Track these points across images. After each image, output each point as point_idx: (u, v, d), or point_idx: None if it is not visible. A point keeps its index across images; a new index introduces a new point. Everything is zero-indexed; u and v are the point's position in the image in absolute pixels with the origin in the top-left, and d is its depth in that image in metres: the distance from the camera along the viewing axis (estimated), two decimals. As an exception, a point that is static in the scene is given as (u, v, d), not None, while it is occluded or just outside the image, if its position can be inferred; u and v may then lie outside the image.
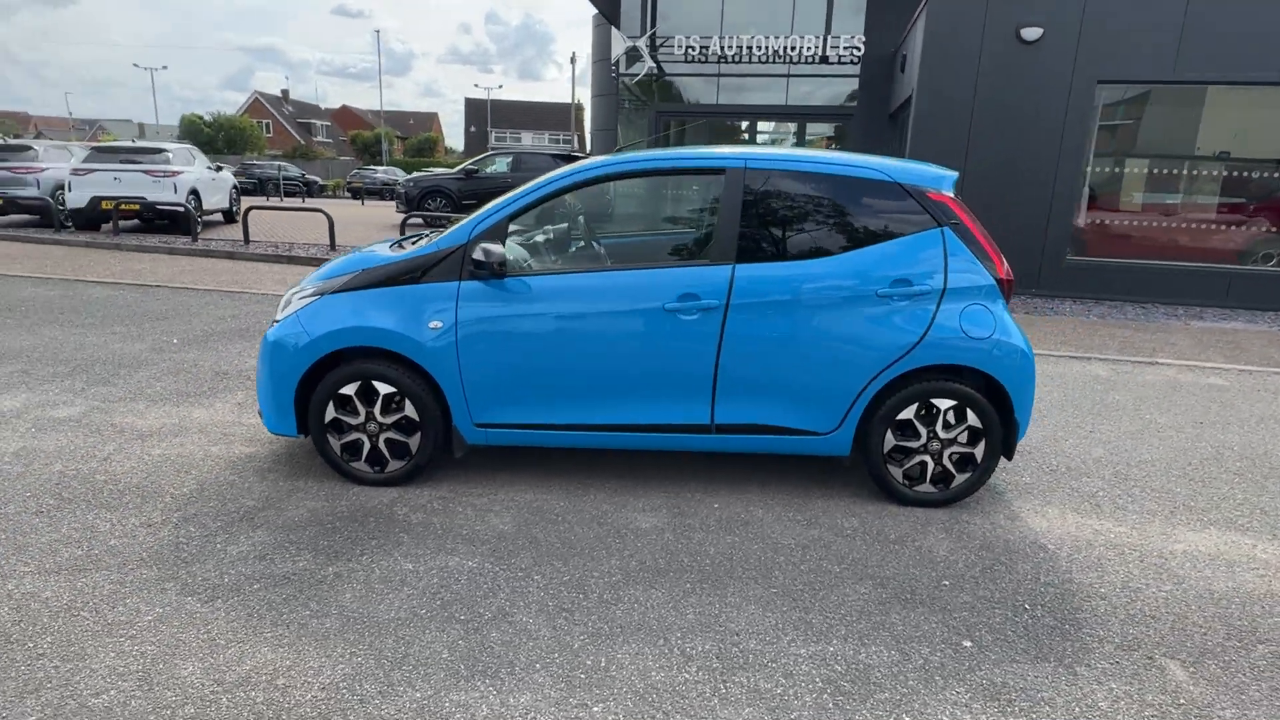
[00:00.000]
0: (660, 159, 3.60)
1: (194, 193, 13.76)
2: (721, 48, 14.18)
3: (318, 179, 38.02)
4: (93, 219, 13.17)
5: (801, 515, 3.45)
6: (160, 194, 13.05)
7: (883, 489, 3.59)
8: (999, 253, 3.47)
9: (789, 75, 14.43)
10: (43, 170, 13.83)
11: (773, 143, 15.78)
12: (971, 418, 3.45)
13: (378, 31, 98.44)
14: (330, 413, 3.53)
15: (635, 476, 3.81)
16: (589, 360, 3.42)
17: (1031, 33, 9.41)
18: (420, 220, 14.83)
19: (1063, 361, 6.46)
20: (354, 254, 3.86)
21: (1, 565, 2.82)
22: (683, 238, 4.34)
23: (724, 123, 15.54)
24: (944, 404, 3.43)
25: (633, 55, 14.68)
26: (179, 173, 13.38)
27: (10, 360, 5.47)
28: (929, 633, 2.58)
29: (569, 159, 16.97)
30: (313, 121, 62.10)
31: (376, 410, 3.51)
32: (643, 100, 15.23)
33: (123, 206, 12.75)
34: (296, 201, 28.43)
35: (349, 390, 3.49)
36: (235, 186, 16.45)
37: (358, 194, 33.18)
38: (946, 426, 3.46)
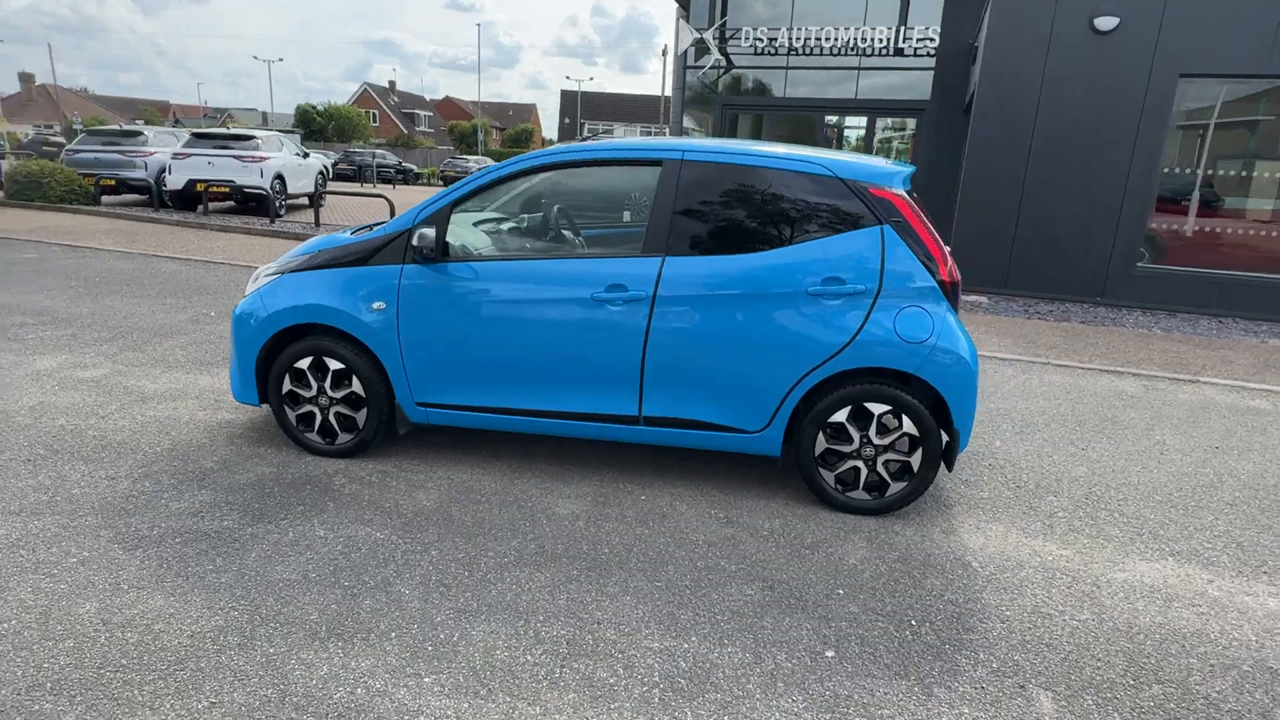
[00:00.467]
0: (600, 149, 3.61)
1: (279, 177, 14.66)
2: (790, 39, 13.90)
3: (414, 167, 39.63)
4: (189, 199, 14.26)
5: (724, 513, 3.41)
6: (247, 178, 13.98)
7: (814, 493, 3.50)
8: (944, 253, 3.31)
9: (859, 68, 13.98)
10: (150, 154, 15.08)
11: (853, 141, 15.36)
12: (907, 424, 3.31)
13: (479, 25, 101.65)
14: (287, 385, 3.75)
15: (574, 463, 3.86)
16: (522, 346, 3.49)
17: (1106, 22, 8.78)
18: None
19: (1089, 375, 6.05)
20: (321, 237, 4.06)
21: (-28, 504, 3.17)
22: (624, 229, 4.35)
23: (791, 116, 15.24)
24: (877, 408, 3.31)
25: (700, 48, 14.59)
26: (266, 158, 14.29)
27: (66, 325, 6.04)
28: (795, 639, 2.52)
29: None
30: (416, 112, 64.73)
31: (327, 385, 3.70)
32: (710, 93, 15.12)
33: (213, 189, 13.74)
34: (386, 188, 29.64)
35: (303, 364, 3.69)
36: (322, 172, 17.40)
37: (449, 181, 34.53)
38: (881, 432, 3.34)
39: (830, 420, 3.36)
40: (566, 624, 2.56)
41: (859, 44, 13.62)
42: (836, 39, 13.67)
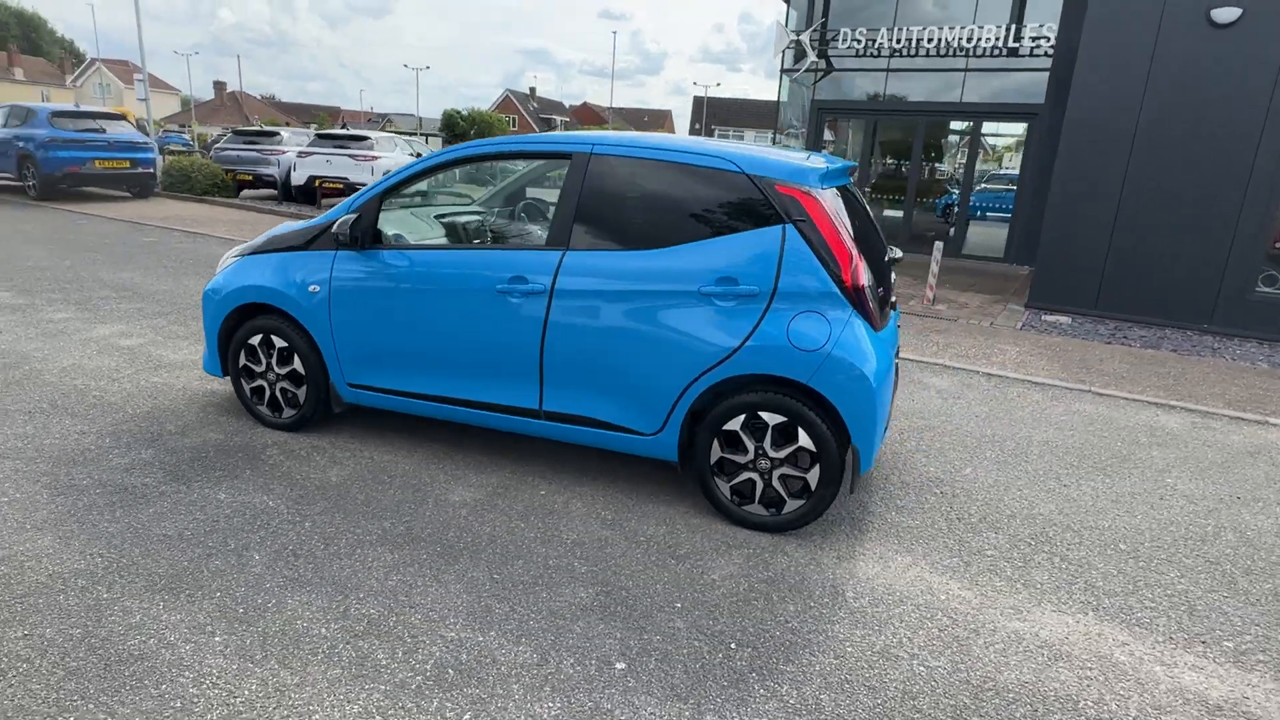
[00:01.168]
0: (519, 142, 3.62)
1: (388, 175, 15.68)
2: (891, 40, 13.25)
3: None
4: (310, 194, 15.54)
5: (614, 515, 3.32)
6: (359, 175, 15.05)
7: (710, 503, 3.34)
8: (852, 258, 3.06)
9: (966, 70, 13.11)
10: (283, 153, 16.57)
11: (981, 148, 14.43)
12: (804, 438, 3.09)
13: (614, 33, 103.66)
14: (242, 359, 4.02)
15: (496, 453, 3.88)
16: (435, 333, 3.56)
17: (1226, 14, 7.76)
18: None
19: (1131, 406, 5.37)
20: (287, 223, 4.33)
21: (-43, 445, 3.63)
22: (539, 221, 4.31)
23: (890, 120, 14.53)
24: (772, 419, 3.11)
25: (797, 50, 14.21)
26: (377, 158, 15.33)
27: (139, 299, 6.77)
28: (595, 647, 2.43)
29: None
30: (553, 117, 67.16)
31: (274, 362, 3.94)
32: (806, 95, 14.69)
33: (327, 184, 14.91)
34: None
35: (254, 341, 3.96)
36: (434, 172, 18.44)
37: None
38: (776, 444, 3.14)
39: (725, 428, 3.19)
40: (380, 604, 2.59)
41: (967, 44, 12.79)
42: (941, 39, 12.91)
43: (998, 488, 3.84)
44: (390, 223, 3.98)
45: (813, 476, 3.13)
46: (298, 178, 15.39)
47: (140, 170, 14.34)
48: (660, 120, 79.09)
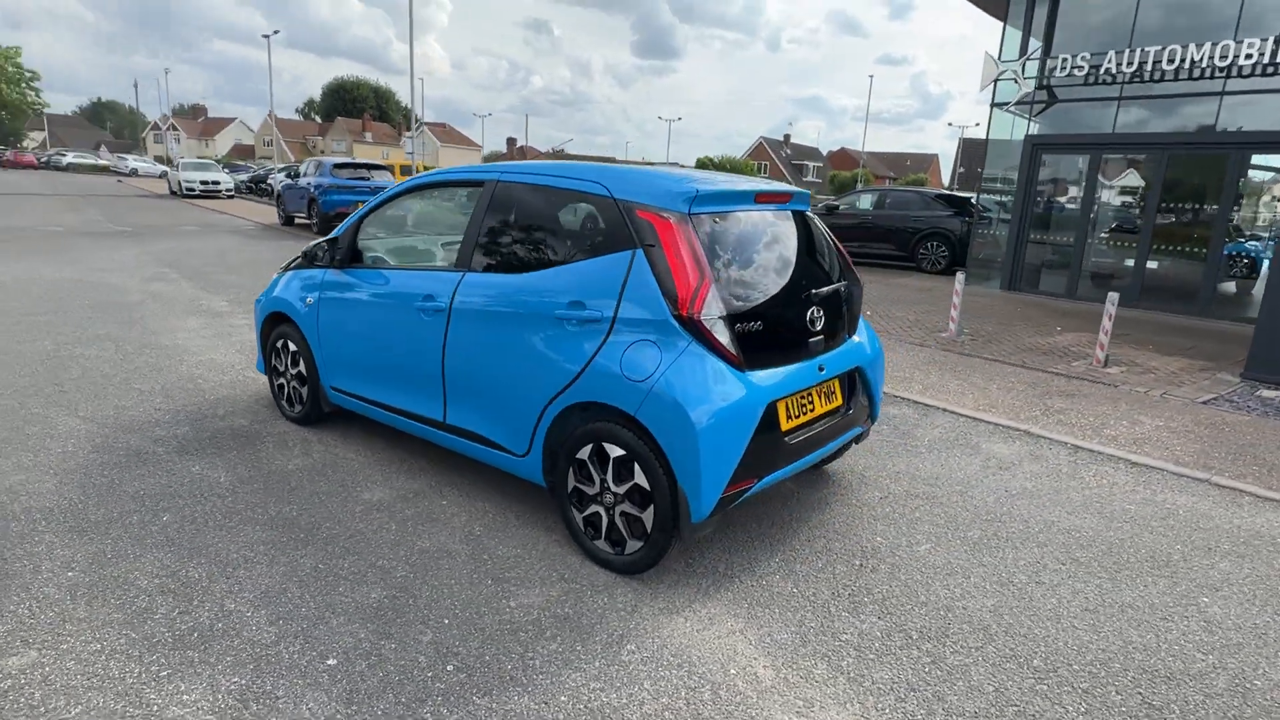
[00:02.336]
0: (445, 174, 3.89)
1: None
2: (1120, 64, 11.47)
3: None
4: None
5: (484, 530, 3.37)
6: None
7: (568, 529, 3.23)
8: (694, 287, 2.83)
9: (1223, 93, 10.90)
10: None
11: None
12: (639, 475, 2.91)
13: (871, 77, 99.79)
14: (271, 360, 4.73)
15: (443, 461, 4.10)
16: (376, 344, 3.92)
17: None
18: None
19: (1253, 506, 4.07)
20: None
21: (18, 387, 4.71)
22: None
23: (1120, 155, 12.47)
24: (612, 450, 2.97)
25: (1008, 83, 12.87)
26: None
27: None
28: (332, 642, 2.53)
29: (947, 199, 15.68)
30: (806, 163, 67.07)
31: (289, 363, 4.58)
32: (1021, 125, 13.20)
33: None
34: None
35: (278, 345, 4.64)
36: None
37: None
38: (617, 478, 2.98)
39: (577, 456, 3.11)
40: (207, 570, 2.92)
41: (1222, 61, 10.69)
42: (1186, 59, 10.93)
43: (940, 572, 3.21)
44: (382, 246, 4.45)
45: (648, 517, 2.92)
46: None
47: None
48: (925, 164, 75.21)
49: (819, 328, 3.34)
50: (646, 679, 2.43)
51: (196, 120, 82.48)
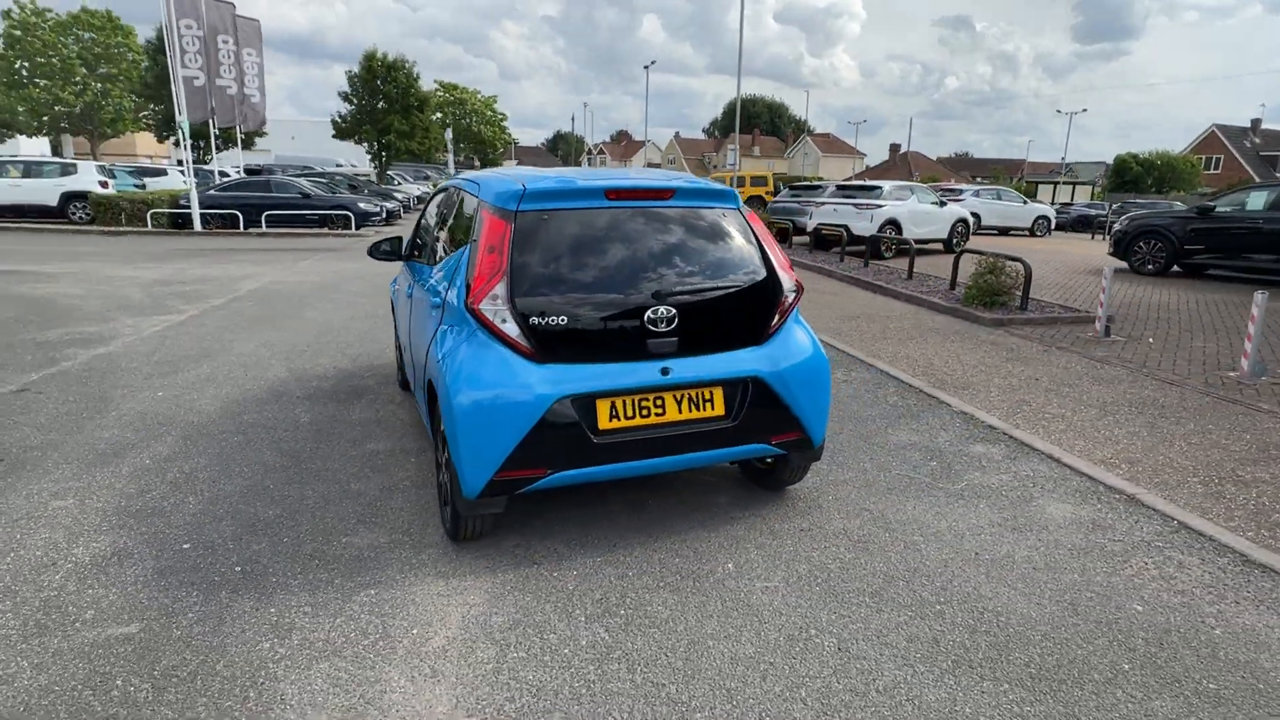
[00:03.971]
0: (443, 185, 4.47)
1: (891, 223, 15.94)
2: None
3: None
4: (822, 242, 16.99)
5: (414, 480, 3.95)
6: (858, 223, 15.81)
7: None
8: (484, 277, 3.04)
9: None
10: (878, 207, 17.46)
11: None
12: (439, 448, 3.23)
13: None
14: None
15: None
16: (409, 327, 4.75)
17: None
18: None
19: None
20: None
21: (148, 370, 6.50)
22: None
23: None
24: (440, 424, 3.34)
25: None
26: (879, 206, 15.82)
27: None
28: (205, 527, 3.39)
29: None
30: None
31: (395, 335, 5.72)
32: None
33: (825, 232, 16.14)
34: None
35: (398, 323, 5.81)
36: (964, 220, 17.61)
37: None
38: (438, 449, 3.34)
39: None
40: (268, 452, 4.05)
41: None
42: None
43: (746, 617, 2.84)
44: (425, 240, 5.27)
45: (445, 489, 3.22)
46: (811, 225, 17.07)
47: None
48: None
49: (665, 329, 3.21)
50: (353, 620, 2.79)
51: (620, 144, 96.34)
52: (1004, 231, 25.40)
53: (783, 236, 18.77)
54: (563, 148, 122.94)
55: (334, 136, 33.27)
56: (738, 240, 3.53)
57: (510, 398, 3.01)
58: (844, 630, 2.77)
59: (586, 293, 3.17)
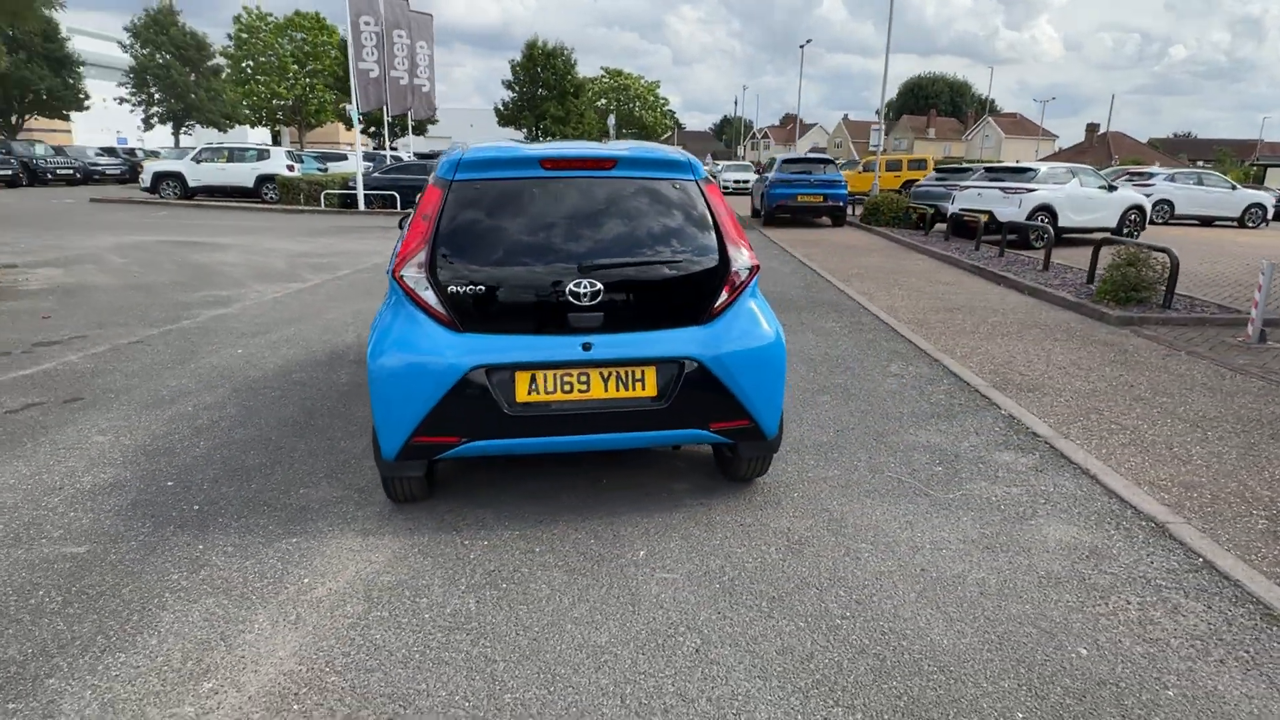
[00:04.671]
0: None
1: (1045, 209, 14.36)
2: None
3: None
4: (958, 228, 15.65)
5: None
6: (1004, 209, 14.41)
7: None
8: (412, 247, 3.11)
9: None
10: (1028, 191, 15.75)
11: None
12: (380, 411, 3.35)
13: None
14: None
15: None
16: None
17: None
18: None
19: None
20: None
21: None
22: None
23: None
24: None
25: None
26: (1030, 190, 14.31)
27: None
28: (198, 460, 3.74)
29: None
30: None
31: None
32: None
33: (965, 218, 14.84)
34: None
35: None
36: (1139, 207, 15.53)
37: None
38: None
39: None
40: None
41: None
42: None
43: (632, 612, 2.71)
44: None
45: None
46: (953, 210, 15.78)
47: (830, 204, 17.49)
48: None
49: (588, 303, 3.11)
50: (261, 564, 2.98)
51: (785, 128, 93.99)
52: (1206, 222, 22.13)
53: (922, 223, 17.52)
54: (728, 132, 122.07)
55: (498, 124, 35.21)
56: (685, 214, 3.34)
57: (423, 364, 3.06)
58: (715, 633, 2.57)
59: (509, 263, 3.14)
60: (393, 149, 31.03)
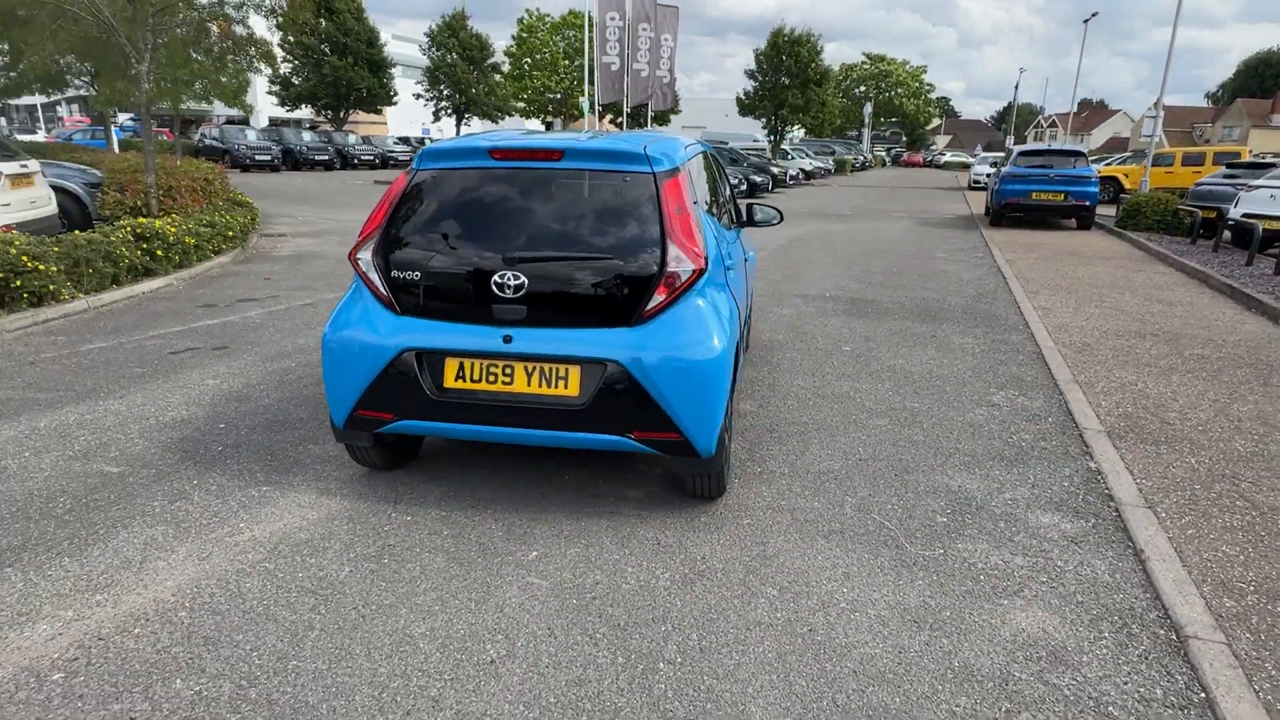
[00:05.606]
0: None
1: None
2: None
3: None
4: (1238, 236, 12.71)
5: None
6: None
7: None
8: (367, 230, 3.26)
9: None
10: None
11: None
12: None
13: None
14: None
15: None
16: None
17: None
18: None
19: None
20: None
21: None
22: None
23: None
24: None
25: None
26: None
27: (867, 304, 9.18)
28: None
29: None
30: None
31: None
32: None
33: (1268, 227, 11.96)
34: None
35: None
36: None
37: None
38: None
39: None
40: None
41: None
42: None
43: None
44: None
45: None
46: (1234, 215, 12.84)
47: (1073, 203, 15.09)
48: None
49: (512, 295, 3.08)
50: (224, 505, 3.40)
51: (1081, 115, 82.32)
52: None
53: (1203, 228, 14.47)
54: (1009, 119, 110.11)
55: (739, 113, 35.23)
56: (630, 209, 3.16)
57: (362, 342, 3.25)
58: (525, 649, 2.46)
59: (445, 251, 3.22)
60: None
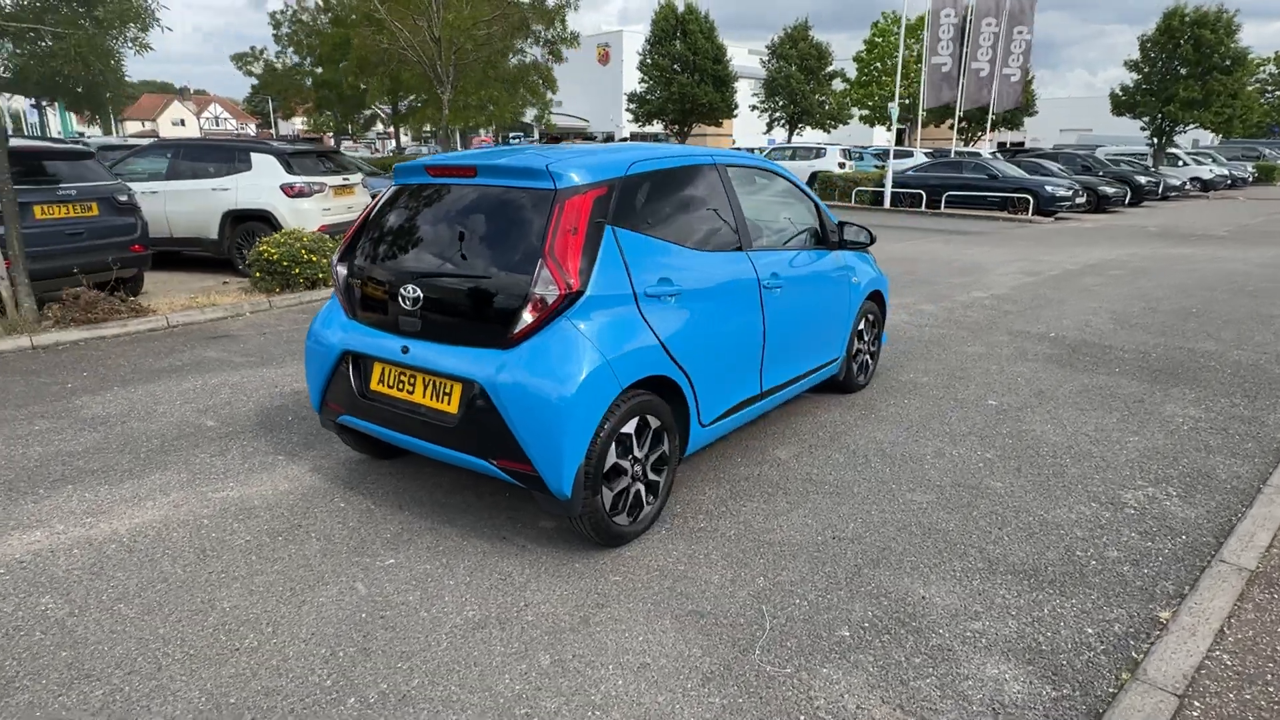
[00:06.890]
0: None
1: None
2: None
3: None
4: None
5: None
6: None
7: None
8: (341, 245, 3.57)
9: None
10: None
11: None
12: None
13: None
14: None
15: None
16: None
17: None
18: None
19: None
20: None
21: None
22: None
23: None
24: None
25: None
26: None
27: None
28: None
29: None
30: None
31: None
32: None
33: None
34: None
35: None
36: None
37: None
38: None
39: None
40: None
41: None
42: None
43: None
44: None
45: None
46: None
47: None
48: None
49: (412, 307, 3.17)
50: (215, 466, 4.01)
51: None
52: None
53: None
54: None
55: (1112, 111, 29.56)
56: (523, 227, 3.02)
57: (323, 340, 3.60)
58: (278, 639, 2.52)
59: (378, 261, 3.42)
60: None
